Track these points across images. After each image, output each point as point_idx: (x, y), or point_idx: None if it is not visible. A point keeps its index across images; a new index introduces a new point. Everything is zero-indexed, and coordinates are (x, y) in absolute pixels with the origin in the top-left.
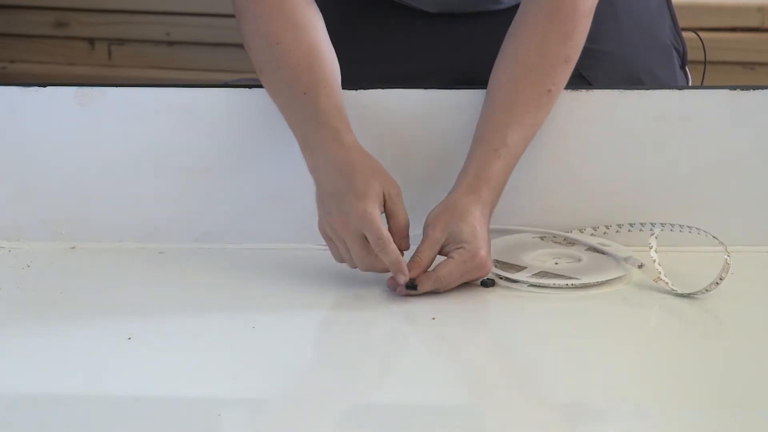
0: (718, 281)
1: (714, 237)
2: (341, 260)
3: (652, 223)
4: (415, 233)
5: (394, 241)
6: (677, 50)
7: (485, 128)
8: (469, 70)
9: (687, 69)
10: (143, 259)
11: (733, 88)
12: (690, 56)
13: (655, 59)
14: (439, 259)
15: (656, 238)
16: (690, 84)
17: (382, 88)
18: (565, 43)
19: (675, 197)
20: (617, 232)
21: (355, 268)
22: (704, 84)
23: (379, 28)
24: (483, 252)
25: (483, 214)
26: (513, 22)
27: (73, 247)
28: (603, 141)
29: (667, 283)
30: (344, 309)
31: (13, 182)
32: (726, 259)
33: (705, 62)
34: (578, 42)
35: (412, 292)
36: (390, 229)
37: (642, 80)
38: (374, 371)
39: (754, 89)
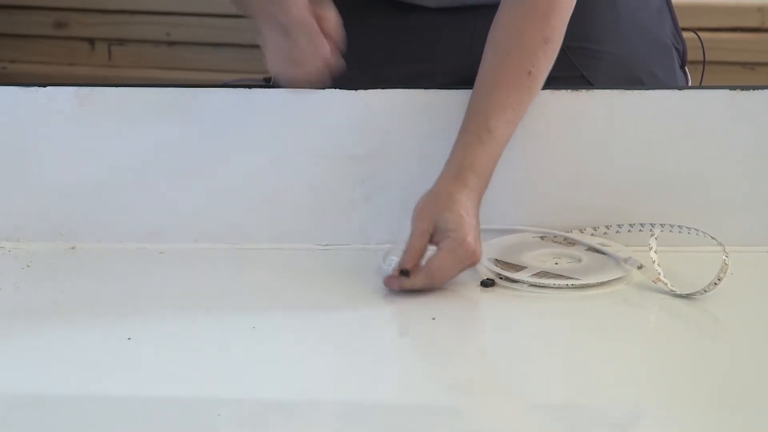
0: (717, 282)
1: (713, 238)
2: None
3: (651, 224)
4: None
5: (330, 38)
6: (677, 50)
7: (468, 116)
8: (471, 65)
9: (687, 69)
10: (143, 259)
11: (732, 88)
12: (689, 56)
13: (656, 59)
14: (432, 250)
15: (656, 238)
16: (689, 84)
17: (382, 88)
18: (543, 24)
19: (675, 197)
20: (617, 232)
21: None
22: (703, 84)
23: (378, 28)
24: (470, 238)
25: (470, 200)
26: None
27: (73, 247)
28: (603, 141)
29: (666, 284)
30: (344, 309)
31: (13, 182)
32: (724, 259)
33: (704, 62)
34: (557, 23)
35: (406, 282)
36: (324, 33)
37: (642, 80)
38: (374, 371)
39: (754, 89)
